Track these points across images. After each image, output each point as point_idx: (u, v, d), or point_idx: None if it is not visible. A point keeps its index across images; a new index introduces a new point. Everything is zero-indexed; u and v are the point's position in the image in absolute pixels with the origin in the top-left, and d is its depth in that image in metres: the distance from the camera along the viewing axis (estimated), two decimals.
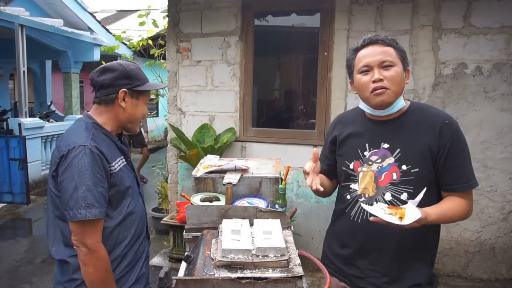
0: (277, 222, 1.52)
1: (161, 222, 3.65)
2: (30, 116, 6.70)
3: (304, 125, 3.87)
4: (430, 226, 1.35)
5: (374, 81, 1.34)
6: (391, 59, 1.33)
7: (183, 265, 1.50)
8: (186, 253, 1.60)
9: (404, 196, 1.36)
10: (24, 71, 6.11)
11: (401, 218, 1.20)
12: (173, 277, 1.24)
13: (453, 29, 3.10)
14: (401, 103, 1.39)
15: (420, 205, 1.26)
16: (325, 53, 3.43)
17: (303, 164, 3.86)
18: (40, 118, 7.19)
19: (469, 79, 3.13)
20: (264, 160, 2.18)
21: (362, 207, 1.42)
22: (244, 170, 1.87)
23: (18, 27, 5.96)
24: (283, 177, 1.82)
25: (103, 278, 1.32)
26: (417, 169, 1.35)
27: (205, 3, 3.68)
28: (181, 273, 1.46)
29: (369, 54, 1.36)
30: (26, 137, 5.62)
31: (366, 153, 1.45)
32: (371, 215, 1.25)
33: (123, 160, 1.47)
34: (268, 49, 4.01)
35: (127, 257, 1.44)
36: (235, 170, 1.86)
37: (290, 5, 3.57)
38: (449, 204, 1.34)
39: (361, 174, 1.45)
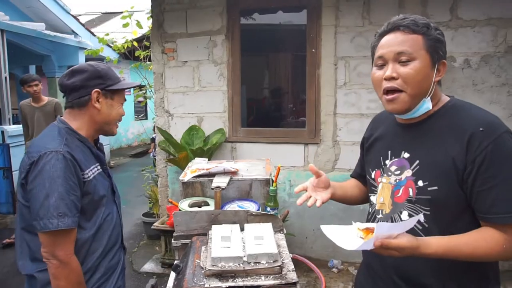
0: (268, 226, 1.46)
1: (152, 227, 3.57)
2: (14, 123, 6.53)
3: (294, 124, 3.83)
4: (477, 264, 1.06)
5: (385, 79, 1.10)
6: (411, 51, 1.05)
7: (172, 275, 1.43)
8: (175, 262, 1.54)
9: (421, 218, 1.05)
10: (6, 77, 5.96)
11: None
12: None
13: (440, 22, 3.08)
14: (425, 106, 1.10)
15: (442, 233, 1.04)
16: (313, 50, 3.38)
17: (294, 163, 3.81)
18: None
19: (457, 72, 3.11)
20: (254, 161, 2.12)
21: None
22: (233, 173, 1.81)
23: None
24: (273, 179, 1.77)
25: None
26: (435, 188, 1.06)
27: (189, 2, 3.61)
28: (170, 284, 1.40)
29: (386, 44, 1.10)
30: (10, 145, 5.46)
31: (387, 161, 1.21)
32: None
33: (98, 167, 1.40)
34: (256, 47, 3.95)
35: (100, 268, 1.36)
36: (223, 173, 1.80)
37: (276, 2, 3.52)
38: (473, 237, 1.02)
39: (380, 186, 1.22)
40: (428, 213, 1.08)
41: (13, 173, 5.32)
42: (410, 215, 1.11)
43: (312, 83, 3.43)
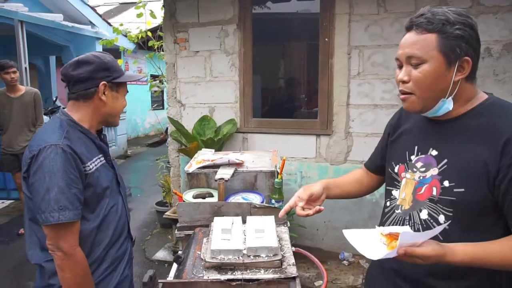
0: (271, 219, 1.44)
1: (164, 216, 3.61)
2: None
3: (306, 114, 3.77)
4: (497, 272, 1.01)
5: (398, 81, 1.09)
6: (420, 54, 1.01)
7: (174, 266, 1.44)
8: (178, 252, 1.54)
9: (441, 219, 1.05)
10: (26, 68, 6.08)
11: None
12: (159, 281, 1.19)
13: (461, 9, 2.94)
14: (445, 107, 1.06)
15: (465, 239, 0.99)
16: (326, 39, 3.30)
17: (306, 154, 3.76)
18: (45, 114, 7.19)
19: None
20: (260, 153, 2.10)
21: (398, 219, 1.17)
22: (239, 164, 1.79)
23: (18, 23, 5.90)
24: (279, 171, 1.75)
25: (81, 283, 1.26)
26: (462, 189, 1.02)
27: None
28: (171, 275, 1.41)
29: (401, 45, 1.07)
30: None
31: (413, 157, 1.17)
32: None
33: (101, 158, 1.40)
34: (268, 37, 3.89)
35: (107, 259, 1.38)
36: (228, 164, 1.78)
37: None
38: (502, 245, 0.98)
39: (404, 181, 1.18)
40: (450, 214, 1.04)
41: None
42: (429, 215, 1.08)
43: (324, 73, 3.36)
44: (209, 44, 3.63)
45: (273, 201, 1.70)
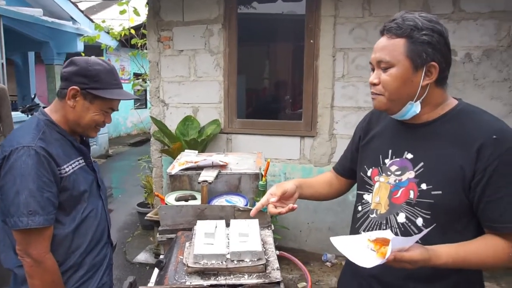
0: (255, 222, 1.42)
1: (146, 218, 3.54)
2: (12, 110, 6.47)
3: (291, 116, 3.77)
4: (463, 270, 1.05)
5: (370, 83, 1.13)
6: (388, 58, 1.05)
7: (156, 271, 1.40)
8: (160, 257, 1.50)
9: (419, 222, 1.06)
10: (2, 63, 5.89)
11: (382, 257, 0.93)
12: (140, 287, 1.15)
13: (442, 14, 3.00)
14: (413, 110, 1.08)
15: (443, 240, 1.02)
16: (311, 41, 3.31)
17: (290, 155, 3.76)
18: (23, 112, 6.96)
19: (458, 66, 3.04)
20: (244, 154, 2.08)
21: (374, 223, 1.16)
22: (222, 166, 1.77)
23: None
24: (263, 173, 1.73)
25: None
26: (440, 192, 1.04)
27: None
28: (152, 280, 1.37)
29: (374, 49, 1.10)
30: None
31: (387, 160, 1.17)
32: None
33: (80, 161, 1.35)
34: (253, 37, 3.87)
35: (84, 265, 1.33)
36: (212, 166, 1.76)
37: None
38: (480, 245, 1.02)
39: (377, 185, 1.18)
40: (428, 217, 1.06)
41: None
42: (407, 218, 1.09)
43: (309, 75, 3.37)
44: (193, 43, 3.59)
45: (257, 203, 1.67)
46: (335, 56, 3.26)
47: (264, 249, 1.32)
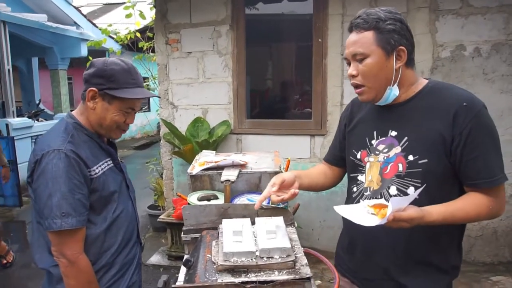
0: (280, 220, 1.43)
1: (158, 220, 3.56)
2: (18, 116, 6.53)
3: (300, 115, 3.78)
4: (447, 226, 1.18)
5: (349, 76, 1.24)
6: (362, 50, 1.16)
7: (183, 269, 1.42)
8: (185, 256, 1.52)
9: (410, 190, 1.19)
10: (9, 70, 5.93)
11: (382, 218, 1.04)
12: (172, 286, 1.16)
13: (450, 10, 3.01)
14: (393, 94, 1.21)
15: (431, 202, 1.13)
16: (319, 40, 3.32)
17: (300, 154, 3.77)
18: (29, 117, 7.01)
19: (467, 61, 3.05)
20: (262, 153, 2.09)
21: (370, 198, 1.28)
22: (242, 166, 1.78)
23: (0, 24, 5.75)
24: (283, 171, 1.74)
25: None
26: (426, 160, 1.17)
27: None
28: (181, 279, 1.38)
29: (346, 45, 1.22)
30: (15, 138, 5.46)
31: (373, 141, 1.29)
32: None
33: (109, 162, 1.37)
34: (261, 38, 3.89)
35: (115, 265, 1.35)
36: (232, 166, 1.77)
37: None
38: (464, 202, 1.15)
39: (368, 165, 1.30)
40: (419, 184, 1.17)
41: (18, 165, 5.33)
42: (398, 189, 1.21)
43: (318, 73, 3.38)
44: (201, 45, 3.61)
45: None
46: (344, 54, 3.27)
47: (291, 246, 1.33)
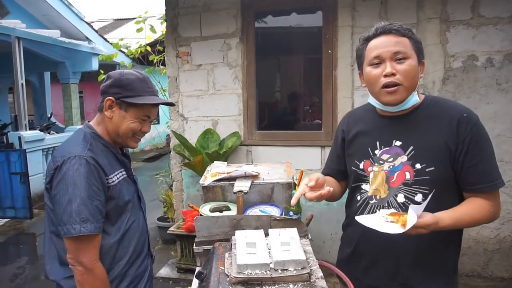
0: (294, 231, 1.41)
1: (168, 232, 3.54)
2: (30, 129, 6.62)
3: (310, 126, 3.77)
4: (450, 232, 1.23)
5: (385, 75, 1.22)
6: (406, 50, 1.21)
7: (195, 282, 1.39)
8: (197, 269, 1.49)
9: (418, 198, 1.24)
10: (22, 84, 6.04)
11: (403, 225, 1.08)
12: None
13: (461, 20, 3.00)
14: (414, 99, 1.26)
15: (438, 208, 1.17)
16: (329, 51, 3.33)
17: (311, 165, 3.74)
18: (41, 130, 7.12)
19: (480, 71, 3.02)
20: (274, 164, 2.07)
21: (375, 207, 1.31)
22: (255, 177, 1.77)
23: (15, 40, 5.90)
24: (296, 182, 1.72)
25: None
26: (433, 168, 1.22)
27: (203, 5, 3.60)
28: None
29: (381, 45, 1.23)
30: (27, 150, 5.54)
31: (376, 151, 1.33)
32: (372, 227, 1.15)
33: (123, 172, 1.38)
34: (270, 50, 3.91)
35: (127, 277, 1.34)
36: (245, 176, 1.75)
37: (290, 3, 3.48)
38: (468, 207, 1.21)
39: (371, 174, 1.33)
40: (427, 191, 1.22)
41: (29, 178, 5.38)
42: (406, 197, 1.25)
43: (328, 84, 3.38)
44: (211, 57, 3.64)
45: (291, 213, 1.66)
46: (354, 65, 3.27)
47: (306, 258, 1.30)
